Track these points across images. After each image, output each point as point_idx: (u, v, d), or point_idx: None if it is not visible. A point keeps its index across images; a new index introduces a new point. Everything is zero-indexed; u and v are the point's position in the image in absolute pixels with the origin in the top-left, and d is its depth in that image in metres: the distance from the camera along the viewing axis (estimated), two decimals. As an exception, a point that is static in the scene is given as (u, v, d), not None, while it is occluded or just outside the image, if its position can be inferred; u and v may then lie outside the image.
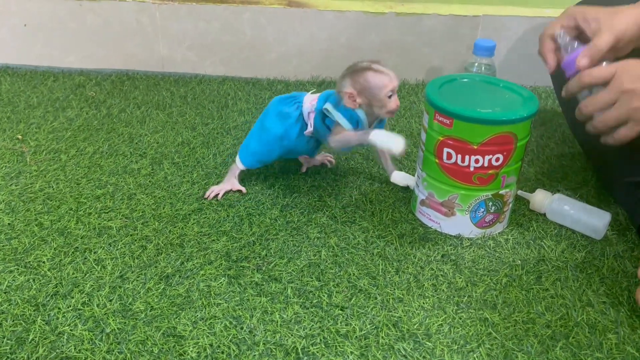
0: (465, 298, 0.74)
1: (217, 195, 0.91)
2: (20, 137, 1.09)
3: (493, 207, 0.83)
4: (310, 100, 0.88)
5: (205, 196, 0.91)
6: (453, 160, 0.80)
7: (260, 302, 0.72)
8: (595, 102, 0.75)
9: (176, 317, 0.69)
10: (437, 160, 0.82)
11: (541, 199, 0.89)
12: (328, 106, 0.85)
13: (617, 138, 0.77)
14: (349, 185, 0.97)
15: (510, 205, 0.85)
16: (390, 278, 0.77)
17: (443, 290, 0.75)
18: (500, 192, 0.82)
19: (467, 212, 0.83)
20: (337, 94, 0.84)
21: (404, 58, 1.34)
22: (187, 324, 0.68)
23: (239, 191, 0.93)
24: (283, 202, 0.92)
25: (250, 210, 0.89)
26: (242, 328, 0.68)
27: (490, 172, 0.79)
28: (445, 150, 0.80)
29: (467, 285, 0.76)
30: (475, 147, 0.77)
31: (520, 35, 1.31)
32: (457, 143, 0.78)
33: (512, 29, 1.31)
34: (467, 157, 0.78)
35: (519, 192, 0.93)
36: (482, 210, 0.82)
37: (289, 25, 1.32)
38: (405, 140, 0.79)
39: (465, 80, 0.87)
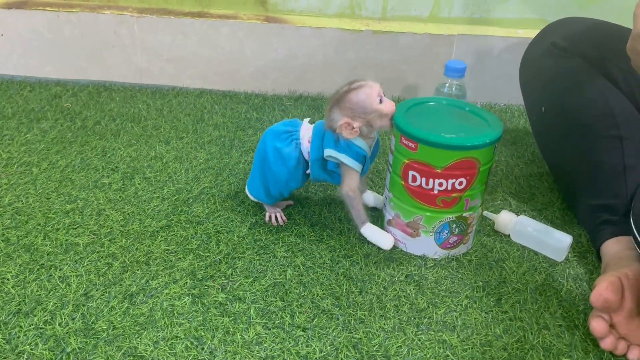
0: (426, 319, 0.75)
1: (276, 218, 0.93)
2: (-8, 148, 1.09)
3: (457, 229, 0.84)
4: (307, 137, 0.86)
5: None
6: (418, 183, 0.81)
7: (222, 322, 0.73)
8: None
9: (138, 337, 0.69)
10: (402, 182, 0.83)
11: (505, 220, 0.91)
12: (330, 152, 0.84)
13: None
14: (318, 203, 0.98)
15: (475, 226, 0.87)
16: (353, 298, 0.78)
17: (404, 311, 0.76)
18: (464, 214, 0.83)
19: (431, 234, 0.84)
20: (331, 130, 0.83)
21: (380, 75, 1.36)
22: (149, 344, 0.69)
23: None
24: (252, 219, 0.92)
25: (219, 228, 0.90)
26: (203, 349, 0.68)
27: (453, 195, 0.81)
28: (411, 172, 0.81)
29: (429, 307, 0.77)
30: (439, 171, 0.79)
31: (495, 55, 1.34)
32: (422, 166, 0.80)
33: (486, 48, 1.33)
34: (431, 180, 0.80)
35: (485, 212, 0.95)
36: (446, 232, 0.84)
37: (267, 41, 1.33)
38: (393, 240, 0.86)
39: (432, 103, 0.88)
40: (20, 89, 1.34)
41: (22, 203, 0.93)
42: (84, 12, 1.31)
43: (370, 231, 0.87)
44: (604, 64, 0.93)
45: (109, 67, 1.37)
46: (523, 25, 1.33)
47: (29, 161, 1.05)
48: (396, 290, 0.80)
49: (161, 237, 0.87)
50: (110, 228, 0.88)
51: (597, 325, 0.68)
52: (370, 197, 0.97)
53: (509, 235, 0.92)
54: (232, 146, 1.15)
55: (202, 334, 0.71)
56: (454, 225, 0.84)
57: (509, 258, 0.87)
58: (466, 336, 0.72)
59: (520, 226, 0.90)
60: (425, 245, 0.85)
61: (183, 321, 0.72)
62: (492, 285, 0.81)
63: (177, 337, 0.70)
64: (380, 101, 0.82)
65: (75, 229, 0.88)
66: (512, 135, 1.27)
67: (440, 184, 0.80)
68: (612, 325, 0.70)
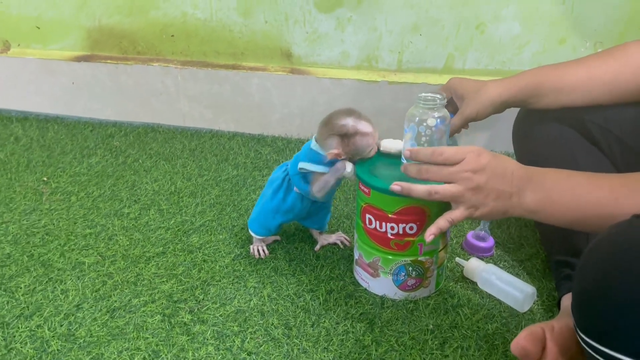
0: (364, 356, 0.79)
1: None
2: (45, 179, 1.29)
3: (414, 272, 0.88)
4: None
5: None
6: (373, 225, 0.87)
7: (181, 340, 0.82)
8: (437, 171, 0.77)
9: (107, 346, 0.81)
10: (362, 224, 0.89)
11: (473, 267, 0.93)
12: (302, 165, 0.92)
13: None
14: (304, 240, 1.06)
15: (435, 271, 0.90)
16: (304, 330, 0.84)
17: (347, 346, 0.81)
18: (420, 258, 0.87)
19: (389, 275, 0.89)
20: (317, 148, 0.89)
21: (396, 122, 1.42)
22: (113, 352, 0.80)
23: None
24: (238, 251, 1.02)
25: (206, 257, 1.00)
26: (155, 361, 0.78)
27: (406, 239, 0.85)
28: (367, 216, 0.87)
29: (372, 344, 0.81)
30: (390, 215, 0.84)
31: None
32: (375, 210, 0.85)
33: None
34: (383, 223, 0.85)
35: (457, 259, 0.97)
36: (403, 274, 0.88)
37: (292, 90, 1.45)
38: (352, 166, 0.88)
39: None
40: (83, 129, 1.56)
41: (54, 226, 1.10)
42: (137, 64, 1.51)
43: (350, 166, 0.89)
44: (581, 121, 0.93)
45: (157, 111, 1.56)
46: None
47: (70, 190, 1.24)
48: (347, 326, 0.85)
49: (154, 262, 0.99)
50: (116, 251, 1.02)
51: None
52: (390, 144, 0.94)
53: (477, 283, 0.93)
54: (245, 185, 1.26)
55: (161, 348, 0.81)
56: (411, 269, 0.88)
57: (468, 304, 0.89)
58: (398, 374, 0.76)
59: (486, 274, 0.91)
60: (385, 286, 0.90)
61: (148, 336, 0.83)
62: (442, 330, 0.84)
63: (139, 349, 0.80)
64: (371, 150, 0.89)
65: (87, 250, 1.02)
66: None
67: (392, 228, 0.85)
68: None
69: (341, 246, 1.04)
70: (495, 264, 0.98)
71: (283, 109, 1.49)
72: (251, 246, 1.02)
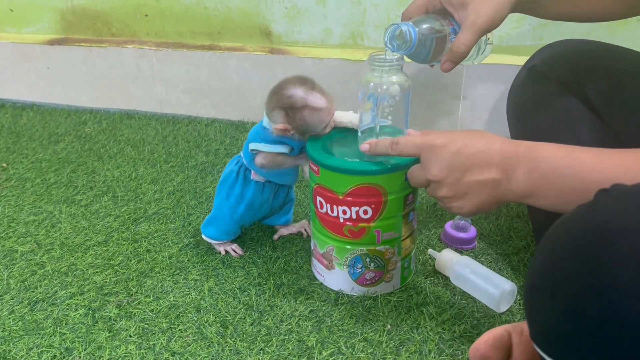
0: (305, 358, 0.68)
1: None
2: (4, 165, 1.21)
3: (372, 264, 0.76)
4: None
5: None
6: (325, 209, 0.75)
7: (100, 336, 0.72)
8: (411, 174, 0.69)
9: (17, 342, 0.72)
10: (314, 209, 0.78)
11: (445, 259, 0.81)
12: (253, 146, 0.82)
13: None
14: (264, 229, 0.94)
15: (399, 263, 0.78)
16: (242, 328, 0.73)
17: (288, 347, 0.70)
18: (378, 248, 0.75)
19: (344, 267, 0.77)
20: (266, 126, 0.81)
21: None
22: (22, 349, 0.70)
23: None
24: (187, 241, 0.92)
25: (151, 247, 0.90)
26: (65, 360, 0.68)
27: (360, 225, 0.73)
28: (318, 198, 0.76)
29: (316, 345, 0.70)
30: (341, 197, 0.72)
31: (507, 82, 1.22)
32: (325, 192, 0.74)
33: (496, 76, 1.22)
34: (335, 207, 0.74)
35: (430, 250, 0.85)
36: (360, 266, 0.76)
37: (272, 71, 1.35)
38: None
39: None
40: (58, 116, 1.48)
41: (-1, 213, 1.02)
42: (111, 47, 1.43)
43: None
44: (581, 87, 0.81)
45: (133, 97, 1.48)
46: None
47: (27, 177, 1.16)
48: (291, 325, 0.73)
49: (93, 251, 0.90)
50: (55, 239, 0.93)
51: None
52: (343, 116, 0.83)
53: (450, 278, 0.81)
54: (212, 172, 1.16)
55: (76, 345, 0.71)
56: (368, 260, 0.76)
57: (435, 302, 0.76)
58: (340, 382, 0.64)
59: (459, 267, 0.79)
60: (341, 280, 0.78)
61: (66, 331, 0.73)
62: (401, 331, 0.72)
63: (51, 346, 0.71)
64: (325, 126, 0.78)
65: (25, 237, 0.94)
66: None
67: (344, 212, 0.73)
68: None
69: (304, 235, 0.92)
70: (475, 258, 0.85)
71: (263, 93, 1.37)
72: (217, 247, 0.89)
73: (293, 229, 0.93)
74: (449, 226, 0.90)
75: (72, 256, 0.88)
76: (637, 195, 0.40)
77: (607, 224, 0.38)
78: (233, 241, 0.89)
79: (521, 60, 1.16)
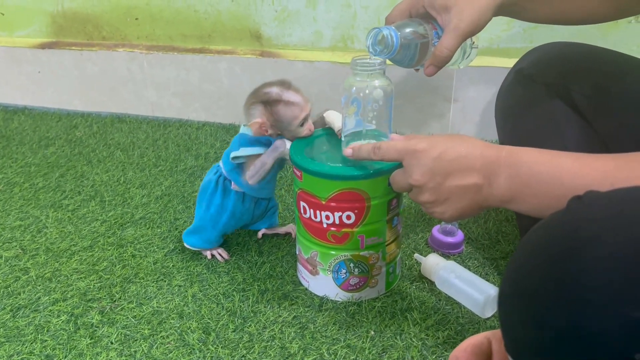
0: (286, 366, 0.67)
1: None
2: (-7, 169, 1.21)
3: (356, 269, 0.76)
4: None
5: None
6: (308, 215, 0.75)
7: (82, 343, 0.72)
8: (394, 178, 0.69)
9: (-3, 349, 0.71)
10: (298, 214, 0.77)
11: (430, 264, 0.80)
12: (234, 154, 0.81)
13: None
14: (251, 234, 0.94)
15: (384, 269, 0.77)
16: (224, 335, 0.73)
17: (270, 354, 0.69)
18: (362, 253, 0.75)
19: (329, 272, 0.76)
20: (243, 131, 0.82)
21: (374, 109, 1.29)
22: (3, 356, 0.70)
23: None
24: (173, 246, 0.91)
25: (136, 252, 0.90)
26: (45, 367, 0.68)
27: (343, 230, 0.73)
28: (302, 203, 0.75)
29: (299, 352, 0.69)
30: (324, 202, 0.72)
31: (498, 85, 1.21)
32: (308, 197, 0.73)
33: (487, 79, 1.21)
34: (318, 212, 0.73)
35: (416, 255, 0.84)
36: (344, 271, 0.76)
37: (262, 74, 1.34)
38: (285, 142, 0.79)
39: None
40: (50, 120, 1.48)
41: (-14, 218, 1.02)
42: (102, 50, 1.43)
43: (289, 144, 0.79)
44: (567, 90, 0.81)
45: (124, 101, 1.47)
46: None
47: (15, 181, 1.15)
48: (274, 331, 0.73)
49: (78, 256, 0.89)
50: (40, 245, 0.92)
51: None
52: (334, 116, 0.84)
53: (435, 283, 0.80)
54: (201, 176, 1.15)
55: (57, 352, 0.70)
56: (352, 265, 0.75)
57: (420, 307, 0.76)
58: (320, 390, 0.64)
59: (444, 272, 0.78)
60: (325, 286, 0.78)
61: (47, 338, 0.73)
62: (384, 337, 0.71)
63: (31, 353, 0.70)
64: (302, 124, 0.78)
65: (10, 243, 0.93)
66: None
67: (327, 217, 0.73)
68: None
69: (293, 236, 0.92)
70: (462, 262, 0.85)
71: (254, 96, 1.37)
72: (203, 252, 0.88)
73: (280, 230, 0.92)
74: (436, 230, 0.90)
75: (57, 262, 0.88)
76: (609, 203, 0.39)
77: (577, 232, 0.37)
78: (219, 245, 0.89)
79: (512, 62, 1.15)
